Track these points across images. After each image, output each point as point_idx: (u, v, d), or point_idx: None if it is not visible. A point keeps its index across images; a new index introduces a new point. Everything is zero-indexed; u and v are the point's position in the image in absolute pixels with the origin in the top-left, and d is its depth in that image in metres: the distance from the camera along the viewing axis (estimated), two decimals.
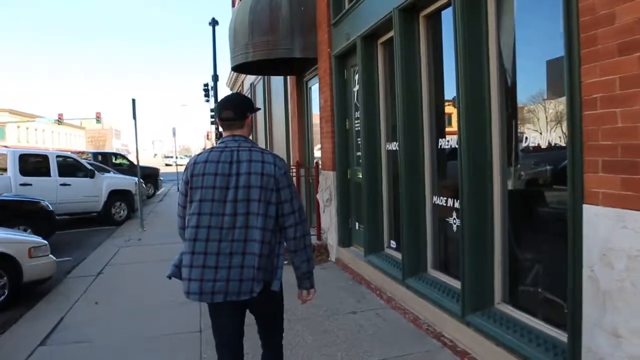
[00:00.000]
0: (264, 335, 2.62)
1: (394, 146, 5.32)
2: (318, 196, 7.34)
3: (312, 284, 2.53)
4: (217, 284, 2.27)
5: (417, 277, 4.45)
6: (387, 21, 4.73)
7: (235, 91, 21.82)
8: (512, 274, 3.46)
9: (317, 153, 8.61)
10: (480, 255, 3.52)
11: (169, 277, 2.45)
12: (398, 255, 5.11)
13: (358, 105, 6.29)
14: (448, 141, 4.17)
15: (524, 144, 3.26)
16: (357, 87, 6.25)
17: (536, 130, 3.17)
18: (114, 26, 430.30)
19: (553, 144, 2.97)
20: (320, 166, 7.35)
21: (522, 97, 3.36)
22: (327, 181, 6.93)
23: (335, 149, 6.65)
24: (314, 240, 7.30)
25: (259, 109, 2.70)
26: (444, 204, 4.21)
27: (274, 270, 2.36)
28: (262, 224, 2.30)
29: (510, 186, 3.44)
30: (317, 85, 8.07)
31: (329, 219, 6.94)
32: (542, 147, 3.07)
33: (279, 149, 11.58)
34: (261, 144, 14.84)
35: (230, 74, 21.43)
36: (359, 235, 6.21)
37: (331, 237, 6.89)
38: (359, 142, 6.22)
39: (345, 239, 6.54)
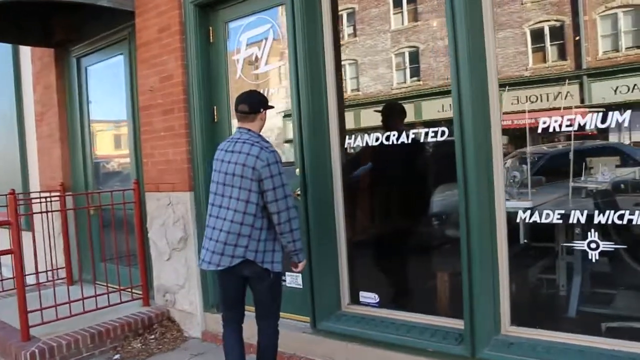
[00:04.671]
0: (257, 319, 2.84)
1: (363, 140, 3.37)
2: (152, 235, 4.52)
3: (300, 259, 2.80)
4: (213, 255, 2.69)
5: (496, 344, 2.69)
6: None
7: None
8: None
9: (116, 165, 5.61)
10: None
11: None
12: (393, 315, 3.24)
13: (241, 82, 4.00)
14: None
15: None
16: (244, 54, 3.94)
17: None
18: None
19: None
20: (151, 186, 4.53)
21: None
22: (177, 209, 4.27)
23: (193, 156, 4.13)
24: (140, 309, 4.49)
25: (273, 106, 2.86)
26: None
27: (265, 253, 2.65)
28: (243, 208, 2.62)
29: None
30: (109, 62, 5.19)
31: (182, 269, 4.29)
32: None
33: None
34: None
35: None
36: None
37: (186, 300, 4.27)
38: None
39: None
